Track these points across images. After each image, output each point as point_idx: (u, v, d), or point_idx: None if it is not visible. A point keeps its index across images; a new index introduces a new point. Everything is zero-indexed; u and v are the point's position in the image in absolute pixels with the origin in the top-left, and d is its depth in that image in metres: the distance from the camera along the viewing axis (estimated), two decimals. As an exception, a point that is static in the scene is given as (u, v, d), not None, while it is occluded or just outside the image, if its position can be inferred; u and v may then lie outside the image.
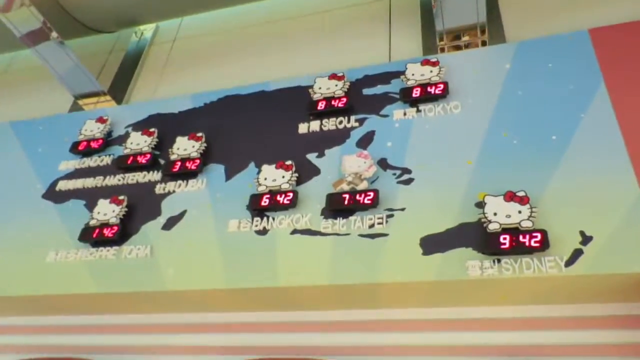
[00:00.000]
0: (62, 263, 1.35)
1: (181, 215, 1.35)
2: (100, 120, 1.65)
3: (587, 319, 1.03)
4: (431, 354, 1.09)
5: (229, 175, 1.39)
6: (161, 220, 1.36)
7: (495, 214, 1.06)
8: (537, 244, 1.00)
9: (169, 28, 2.00)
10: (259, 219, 1.26)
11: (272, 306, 1.23)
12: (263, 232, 1.24)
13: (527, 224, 1.03)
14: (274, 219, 1.25)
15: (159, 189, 1.42)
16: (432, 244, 1.09)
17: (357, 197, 1.18)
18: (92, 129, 1.63)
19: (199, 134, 1.47)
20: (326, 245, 1.17)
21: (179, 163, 1.43)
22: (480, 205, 1.11)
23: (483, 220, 1.07)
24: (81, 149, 1.59)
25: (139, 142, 1.53)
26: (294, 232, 1.21)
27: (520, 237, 1.02)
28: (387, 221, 1.15)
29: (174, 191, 1.41)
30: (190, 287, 1.21)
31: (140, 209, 1.40)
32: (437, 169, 1.20)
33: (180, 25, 1.98)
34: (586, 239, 1.00)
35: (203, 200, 1.36)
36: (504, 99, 1.27)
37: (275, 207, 1.25)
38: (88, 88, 1.75)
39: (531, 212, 1.04)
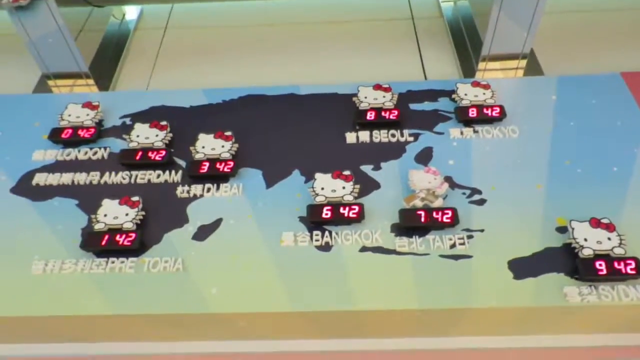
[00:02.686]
0: (55, 276, 1.06)
1: (216, 224, 1.14)
2: (89, 105, 1.36)
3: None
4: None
5: (269, 182, 1.22)
6: (190, 228, 1.14)
7: (585, 240, 1.05)
8: (633, 271, 1.00)
9: (154, 13, 1.76)
10: (319, 232, 1.11)
11: (342, 333, 1.07)
12: (326, 247, 1.09)
13: (619, 251, 1.03)
14: (337, 233, 1.11)
15: (181, 192, 1.20)
16: (522, 268, 1.04)
17: (435, 214, 1.10)
18: (79, 115, 1.34)
19: (228, 133, 1.28)
20: (405, 266, 1.06)
21: (207, 164, 1.22)
22: (562, 230, 1.09)
23: (574, 245, 1.04)
24: (65, 137, 1.30)
25: (148, 136, 1.28)
26: (364, 249, 1.08)
27: (615, 264, 1.01)
28: (468, 242, 1.08)
29: (201, 195, 1.19)
30: (242, 310, 1.01)
31: (158, 214, 1.16)
32: (508, 191, 1.17)
33: (172, 13, 1.76)
34: (671, 269, 1.03)
35: (241, 208, 1.17)
36: (558, 128, 1.29)
37: (338, 220, 1.11)
38: (68, 66, 1.45)
39: (620, 239, 1.05)
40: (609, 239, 1.05)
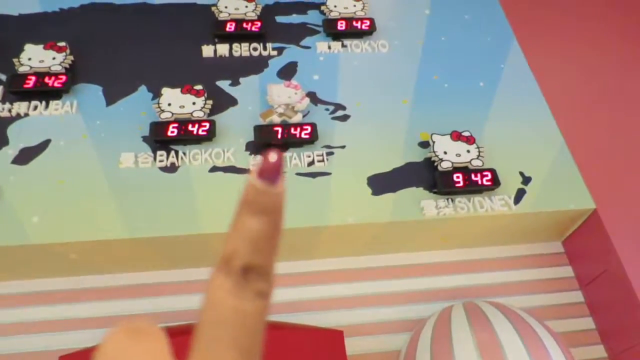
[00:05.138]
0: None
1: (42, 146, 0.98)
2: None
3: (527, 257, 1.06)
4: (380, 304, 0.99)
5: (110, 100, 1.07)
6: (10, 151, 0.97)
7: (445, 153, 1.01)
8: (488, 182, 0.98)
9: None
10: (163, 152, 0.99)
11: (190, 262, 0.97)
12: (171, 168, 0.98)
13: (477, 163, 1.00)
14: (184, 153, 0.99)
15: (0, 110, 1.02)
16: (381, 184, 0.99)
17: (292, 130, 1.01)
18: None
19: (62, 44, 1.10)
20: (258, 185, 0.97)
21: (33, 78, 1.04)
22: (424, 145, 1.05)
23: (433, 158, 1.01)
24: None
25: (-40, 46, 1.08)
26: (214, 169, 0.98)
27: (472, 176, 0.99)
28: (327, 159, 1.01)
29: (26, 114, 1.02)
30: (69, 239, 0.88)
31: (-30, 136, 0.98)
32: (373, 106, 1.10)
33: None
34: (526, 179, 1.02)
35: (74, 128, 1.02)
36: (429, 43, 1.24)
37: (187, 138, 1.00)
38: None
39: (479, 151, 1.02)
40: (468, 151, 1.02)
